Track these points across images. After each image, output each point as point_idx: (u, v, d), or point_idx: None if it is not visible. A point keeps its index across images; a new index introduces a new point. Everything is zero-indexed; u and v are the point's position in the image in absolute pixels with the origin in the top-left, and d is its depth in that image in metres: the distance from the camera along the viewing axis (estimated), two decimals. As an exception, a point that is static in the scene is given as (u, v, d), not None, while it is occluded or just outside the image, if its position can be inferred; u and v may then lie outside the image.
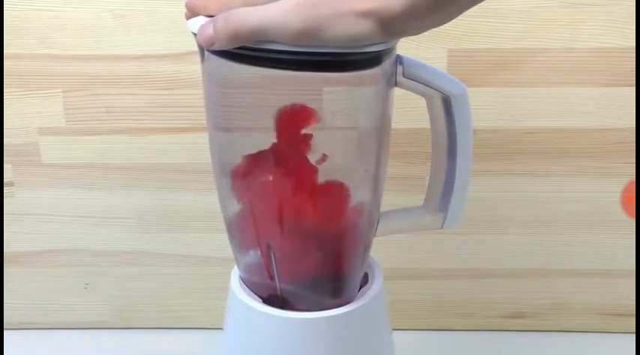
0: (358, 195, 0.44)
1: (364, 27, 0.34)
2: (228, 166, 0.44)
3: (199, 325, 0.70)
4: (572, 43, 0.60)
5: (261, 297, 0.46)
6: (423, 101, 0.44)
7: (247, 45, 0.36)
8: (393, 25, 0.34)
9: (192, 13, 0.39)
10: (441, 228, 0.47)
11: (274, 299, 0.46)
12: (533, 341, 0.69)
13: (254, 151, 0.42)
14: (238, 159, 0.43)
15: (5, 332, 0.67)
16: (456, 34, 0.59)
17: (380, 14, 0.33)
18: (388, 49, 0.38)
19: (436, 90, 0.42)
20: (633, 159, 0.63)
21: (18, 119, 0.63)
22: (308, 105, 0.41)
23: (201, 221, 0.66)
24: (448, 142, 0.44)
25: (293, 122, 0.41)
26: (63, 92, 0.62)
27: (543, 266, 0.68)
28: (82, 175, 0.65)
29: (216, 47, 0.37)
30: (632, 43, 0.59)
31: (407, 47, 0.45)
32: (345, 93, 0.40)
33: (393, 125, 0.44)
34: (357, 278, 0.47)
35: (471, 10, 0.36)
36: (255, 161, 0.42)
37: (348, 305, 0.45)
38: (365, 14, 0.34)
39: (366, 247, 0.46)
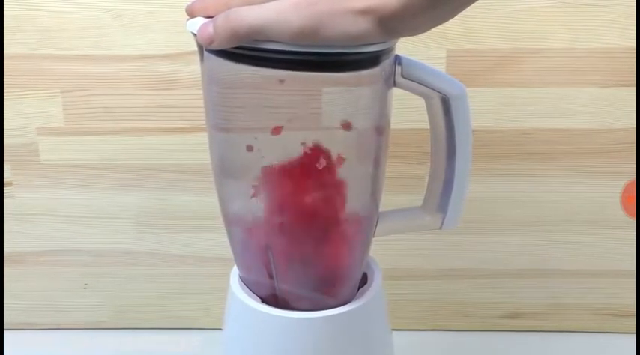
0: (357, 195, 0.44)
1: (362, 25, 0.34)
2: (228, 166, 0.44)
3: (199, 325, 0.70)
4: (572, 43, 0.60)
5: (260, 297, 0.46)
6: (422, 101, 0.44)
7: (246, 44, 0.36)
8: (391, 23, 0.34)
9: (192, 17, 0.39)
10: (441, 228, 0.47)
11: (273, 299, 0.46)
12: (533, 342, 0.69)
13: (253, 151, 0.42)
14: (238, 160, 0.43)
15: (5, 332, 0.67)
16: (455, 34, 0.59)
17: (378, 12, 0.33)
18: (387, 49, 0.38)
19: (435, 90, 0.42)
20: (633, 159, 0.63)
21: (17, 119, 0.63)
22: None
23: (201, 221, 0.66)
24: (447, 142, 0.44)
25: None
26: (62, 92, 0.62)
27: (543, 267, 0.68)
28: (81, 175, 0.65)
29: (216, 46, 0.37)
30: (632, 43, 0.59)
31: (406, 47, 0.45)
32: (344, 93, 0.40)
33: (393, 125, 0.44)
34: (356, 278, 0.47)
35: (470, 10, 0.36)
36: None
37: (348, 304, 0.45)
38: (363, 12, 0.34)
39: (366, 247, 0.46)
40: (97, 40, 0.60)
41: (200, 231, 0.67)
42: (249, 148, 0.42)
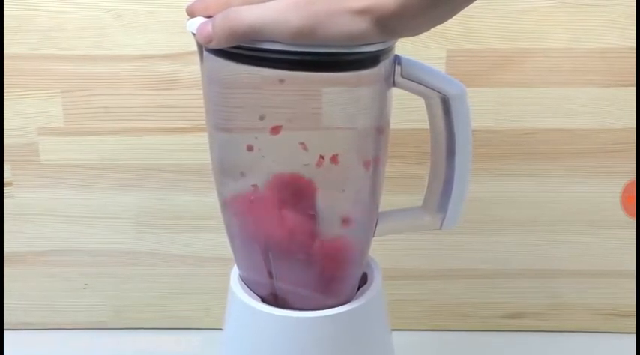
0: (357, 195, 0.44)
1: (360, 25, 0.34)
2: (228, 166, 0.44)
3: (199, 325, 0.70)
4: (572, 43, 0.60)
5: (260, 296, 0.46)
6: (422, 101, 0.44)
7: (246, 44, 0.36)
8: (389, 24, 0.34)
9: (193, 17, 0.40)
10: (440, 228, 0.47)
11: (273, 298, 0.46)
12: (533, 342, 0.69)
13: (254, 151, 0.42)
14: (238, 159, 0.43)
15: (5, 332, 0.67)
16: (455, 34, 0.59)
17: (375, 12, 0.33)
18: (386, 49, 0.38)
19: (435, 90, 0.42)
20: (633, 159, 0.63)
21: (17, 119, 0.63)
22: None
23: (200, 221, 0.66)
24: (447, 142, 0.44)
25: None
26: (62, 92, 0.62)
27: (543, 267, 0.68)
28: (81, 175, 0.65)
29: (214, 45, 0.37)
30: (632, 43, 0.59)
31: (406, 47, 0.45)
32: (344, 93, 0.40)
33: (393, 125, 0.44)
34: (356, 278, 0.47)
35: (470, 10, 0.36)
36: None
37: (347, 304, 0.45)
38: (360, 12, 0.34)
39: (365, 247, 0.46)
40: (97, 40, 0.60)
41: (200, 231, 0.67)
42: (250, 148, 0.42)
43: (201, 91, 0.43)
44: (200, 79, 0.43)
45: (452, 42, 0.60)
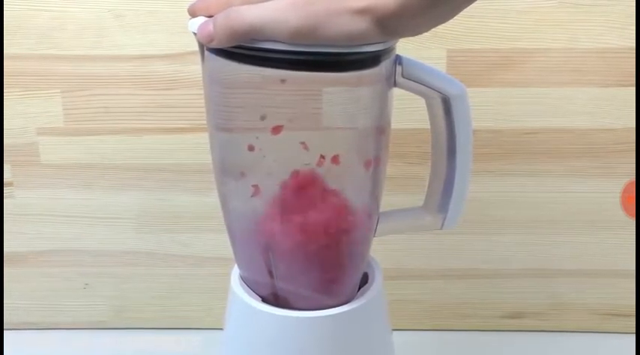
0: (358, 195, 0.44)
1: (360, 25, 0.34)
2: (229, 166, 0.44)
3: (199, 325, 0.70)
4: (572, 43, 0.60)
5: (261, 296, 0.46)
6: (422, 101, 0.44)
7: (246, 44, 0.36)
8: (389, 23, 0.34)
9: (194, 17, 0.40)
10: (441, 228, 0.47)
11: (274, 298, 0.46)
12: (533, 342, 0.69)
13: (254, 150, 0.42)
14: (239, 159, 0.43)
15: (5, 332, 0.67)
16: (455, 35, 0.59)
17: (375, 12, 0.34)
18: (387, 49, 0.38)
19: (435, 90, 0.42)
20: (633, 159, 0.63)
21: (17, 119, 0.63)
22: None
23: (200, 221, 0.66)
24: (448, 142, 0.44)
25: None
26: (62, 92, 0.62)
27: (543, 267, 0.68)
28: (81, 175, 0.65)
29: (215, 44, 0.37)
30: (632, 43, 0.59)
31: (406, 47, 0.45)
32: (345, 93, 0.40)
33: (393, 125, 0.44)
34: (357, 278, 0.47)
35: (470, 10, 0.36)
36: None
37: (348, 304, 0.45)
38: (360, 12, 0.34)
39: (366, 247, 0.46)
40: (97, 40, 0.60)
41: (200, 231, 0.67)
42: (251, 148, 0.42)
43: (201, 91, 0.43)
44: (200, 78, 0.43)
45: (452, 42, 0.60)
